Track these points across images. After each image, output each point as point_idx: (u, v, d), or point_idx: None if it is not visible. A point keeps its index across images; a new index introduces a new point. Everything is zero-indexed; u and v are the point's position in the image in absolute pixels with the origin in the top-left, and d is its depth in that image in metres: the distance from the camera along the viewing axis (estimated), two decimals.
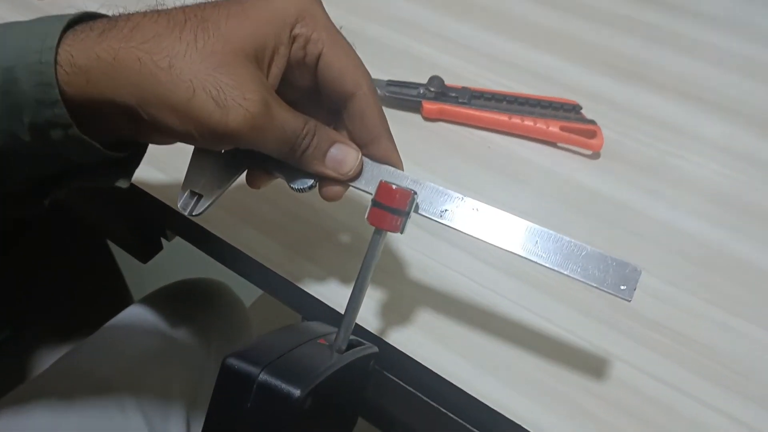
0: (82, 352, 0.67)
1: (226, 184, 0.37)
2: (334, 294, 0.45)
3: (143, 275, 0.97)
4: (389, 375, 0.43)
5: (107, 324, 0.70)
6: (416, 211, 0.37)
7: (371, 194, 0.36)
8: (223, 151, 0.38)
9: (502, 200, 0.53)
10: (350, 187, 0.38)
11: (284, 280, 0.46)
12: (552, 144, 0.57)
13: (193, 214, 0.36)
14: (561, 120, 0.57)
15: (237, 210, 0.50)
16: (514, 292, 0.47)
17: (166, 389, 0.66)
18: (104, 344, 0.69)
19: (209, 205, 0.37)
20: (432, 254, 0.49)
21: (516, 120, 0.57)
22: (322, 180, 0.37)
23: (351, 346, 0.37)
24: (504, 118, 0.56)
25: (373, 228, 0.36)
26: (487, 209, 0.36)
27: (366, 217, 0.35)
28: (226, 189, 0.38)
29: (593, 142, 0.56)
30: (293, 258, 0.47)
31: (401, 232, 0.36)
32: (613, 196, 0.53)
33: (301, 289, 0.46)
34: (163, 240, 0.72)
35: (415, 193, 0.35)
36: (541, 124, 0.57)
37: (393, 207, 0.35)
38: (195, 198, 0.37)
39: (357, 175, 0.37)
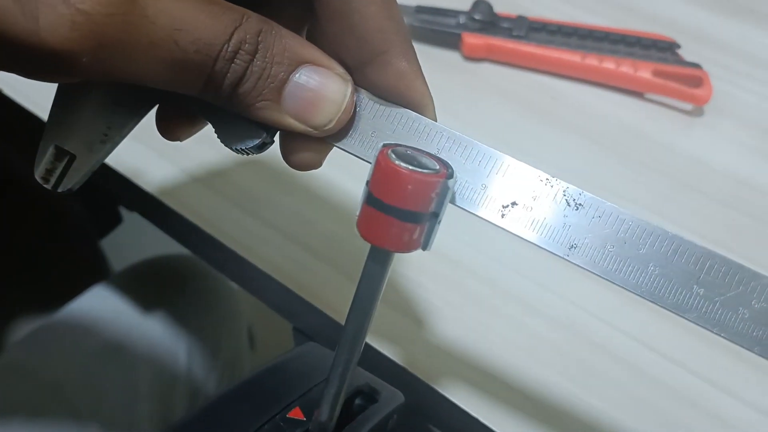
0: (28, 345, 0.59)
1: (116, 137, 0.24)
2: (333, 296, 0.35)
3: (123, 249, 0.86)
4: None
5: (61, 311, 0.61)
6: (453, 202, 0.23)
7: (370, 163, 0.21)
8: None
9: (570, 170, 0.42)
10: (336, 149, 0.24)
11: (266, 275, 0.36)
12: (638, 95, 0.46)
13: (60, 189, 0.24)
14: (653, 62, 0.43)
15: (201, 174, 0.39)
16: (631, 322, 0.35)
17: (130, 393, 0.58)
18: (56, 336, 0.60)
19: (88, 172, 0.24)
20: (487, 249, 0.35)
21: (591, 61, 0.45)
22: (283, 135, 0.24)
23: (351, 406, 0.23)
24: (575, 57, 0.45)
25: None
26: (598, 204, 0.22)
27: (356, 221, 0.21)
28: (118, 142, 0.25)
29: (698, 92, 0.43)
30: (279, 244, 0.37)
31: (424, 248, 0.21)
32: (723, 167, 0.43)
33: (290, 290, 0.36)
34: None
35: (450, 172, 0.21)
36: (626, 67, 0.44)
37: (401, 207, 0.20)
38: (64, 160, 0.24)
39: (342, 127, 0.23)
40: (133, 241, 0.81)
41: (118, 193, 0.41)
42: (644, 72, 0.44)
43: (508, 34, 0.47)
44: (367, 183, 0.21)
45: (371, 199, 0.20)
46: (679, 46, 0.45)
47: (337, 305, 0.35)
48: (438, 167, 0.21)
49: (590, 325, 0.34)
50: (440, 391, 0.32)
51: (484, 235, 0.36)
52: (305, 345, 0.28)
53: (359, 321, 0.22)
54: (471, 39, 0.47)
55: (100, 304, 0.62)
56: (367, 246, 0.22)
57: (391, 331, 0.34)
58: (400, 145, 0.22)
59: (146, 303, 0.61)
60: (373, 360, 0.33)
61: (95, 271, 0.82)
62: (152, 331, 0.61)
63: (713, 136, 0.44)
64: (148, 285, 0.65)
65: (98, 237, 0.60)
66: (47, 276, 0.77)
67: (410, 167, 0.20)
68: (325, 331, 0.34)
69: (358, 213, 0.21)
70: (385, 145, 0.21)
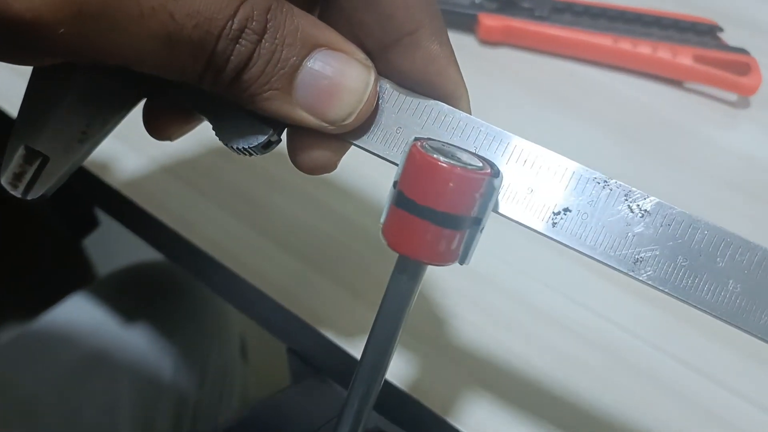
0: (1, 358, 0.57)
1: (97, 135, 0.22)
2: (333, 313, 0.31)
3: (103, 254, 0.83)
4: None
5: (36, 321, 0.60)
6: (497, 209, 0.19)
7: (396, 165, 0.19)
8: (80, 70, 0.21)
9: (600, 168, 0.37)
10: (355, 148, 0.21)
11: (256, 289, 0.32)
12: (677, 83, 0.42)
13: (30, 196, 0.22)
14: (694, 46, 0.39)
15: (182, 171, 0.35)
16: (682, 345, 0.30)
17: (109, 409, 0.56)
18: (30, 348, 0.59)
19: (63, 176, 0.22)
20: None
21: (624, 45, 0.41)
22: (292, 132, 0.21)
23: None
24: (606, 41, 0.42)
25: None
26: (666, 211, 0.20)
27: (381, 229, 0.18)
28: (98, 142, 0.22)
29: (745, 81, 0.40)
30: (271, 253, 0.33)
31: (462, 262, 0.19)
32: None
33: (283, 307, 0.32)
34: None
35: (495, 170, 0.18)
36: (663, 52, 0.40)
37: (439, 210, 0.17)
38: (35, 163, 0.21)
39: (363, 122, 0.20)
40: (114, 246, 0.78)
41: (87, 193, 0.36)
42: (684, 58, 0.40)
43: (530, 14, 0.43)
44: (395, 183, 0.18)
45: (402, 200, 0.17)
46: (721, 29, 0.42)
47: (337, 324, 0.31)
48: (481, 164, 0.18)
49: (634, 347, 0.30)
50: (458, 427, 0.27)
51: (508, 240, 0.32)
52: (309, 379, 0.24)
53: (381, 348, 0.19)
54: (488, 20, 0.43)
55: (79, 314, 0.60)
56: (378, 258, 0.19)
57: (397, 356, 0.29)
58: (434, 140, 0.19)
59: (129, 312, 0.59)
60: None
61: (73, 279, 0.79)
62: (135, 342, 0.59)
63: (762, 130, 0.40)
64: (130, 293, 0.63)
65: (74, 241, 0.57)
66: (20, 285, 0.75)
67: (451, 161, 0.17)
68: (322, 354, 0.30)
69: (383, 218, 0.18)
70: (417, 139, 0.18)
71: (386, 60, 0.20)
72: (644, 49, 0.40)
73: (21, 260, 0.77)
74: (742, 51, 0.40)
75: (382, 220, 0.18)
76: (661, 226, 0.19)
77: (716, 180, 0.37)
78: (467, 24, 0.44)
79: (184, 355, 0.60)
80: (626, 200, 0.19)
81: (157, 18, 0.17)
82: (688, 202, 0.36)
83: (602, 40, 0.41)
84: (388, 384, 0.29)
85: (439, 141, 0.19)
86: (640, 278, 0.19)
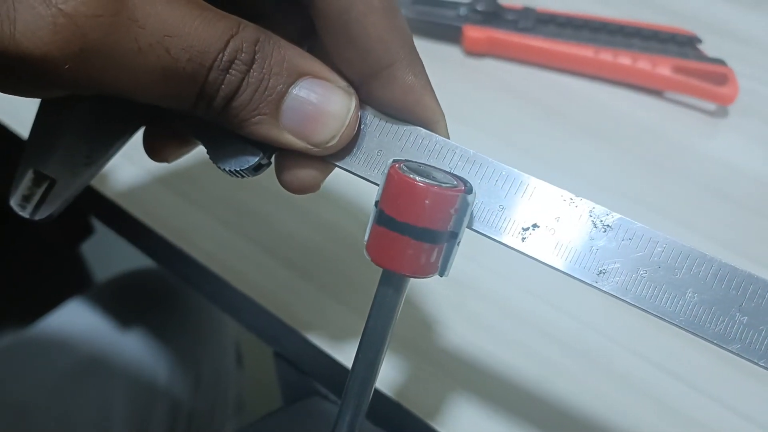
0: None
1: (101, 159, 0.23)
2: (317, 319, 0.32)
3: (99, 261, 0.83)
4: None
5: (32, 327, 0.60)
6: (471, 226, 0.21)
7: (377, 185, 0.20)
8: (83, 99, 0.23)
9: (583, 176, 0.40)
10: (338, 169, 0.22)
11: (243, 295, 0.33)
12: (657, 93, 0.43)
13: (38, 217, 0.23)
14: (673, 57, 0.40)
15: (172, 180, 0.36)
16: (657, 349, 0.31)
17: (103, 415, 0.56)
18: (25, 354, 0.58)
19: (69, 198, 0.23)
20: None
21: (605, 56, 0.42)
22: (279, 154, 0.22)
23: None
24: (587, 52, 0.43)
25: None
26: (628, 225, 0.21)
27: (365, 245, 0.20)
28: (102, 166, 0.24)
29: (723, 90, 0.40)
30: (258, 259, 0.34)
31: (441, 274, 0.20)
32: (754, 172, 0.40)
33: (269, 312, 0.33)
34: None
35: (469, 187, 0.20)
36: (643, 63, 0.41)
37: (417, 225, 0.19)
38: (43, 186, 0.23)
39: (345, 145, 0.22)
40: (111, 253, 0.78)
41: (83, 202, 0.38)
42: (663, 68, 0.41)
43: (514, 26, 0.44)
44: (377, 203, 0.19)
45: (383, 218, 0.19)
46: (700, 41, 0.43)
47: (320, 329, 0.32)
48: (455, 182, 0.19)
49: (610, 351, 0.31)
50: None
51: (487, 247, 0.33)
52: (308, 400, 0.25)
53: (370, 359, 0.21)
54: (473, 32, 0.44)
55: (75, 320, 0.60)
56: (363, 264, 0.20)
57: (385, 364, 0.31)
58: (411, 161, 0.21)
59: (124, 319, 0.59)
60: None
61: (69, 286, 0.80)
62: (130, 348, 0.59)
63: (740, 139, 0.41)
64: (126, 300, 0.63)
65: (71, 249, 0.57)
66: (16, 291, 0.75)
67: (426, 180, 0.18)
68: (307, 357, 0.32)
69: (366, 236, 0.20)
70: (395, 161, 0.20)
71: (368, 90, 0.22)
72: (624, 59, 0.41)
73: (17, 267, 0.77)
74: (719, 62, 0.41)
75: (365, 238, 0.20)
76: (623, 240, 0.20)
77: (696, 187, 0.38)
78: (452, 36, 0.45)
79: (179, 361, 0.60)
80: (590, 216, 0.21)
81: (154, 53, 0.18)
82: (668, 209, 0.37)
83: (584, 51, 0.42)
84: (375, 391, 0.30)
85: (415, 162, 0.21)
86: (604, 289, 0.20)
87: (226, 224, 0.36)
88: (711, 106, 0.42)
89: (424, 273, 0.19)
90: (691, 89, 0.41)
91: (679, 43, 0.42)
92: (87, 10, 0.17)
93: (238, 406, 0.70)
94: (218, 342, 0.65)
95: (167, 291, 0.64)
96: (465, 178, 0.20)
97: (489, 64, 0.45)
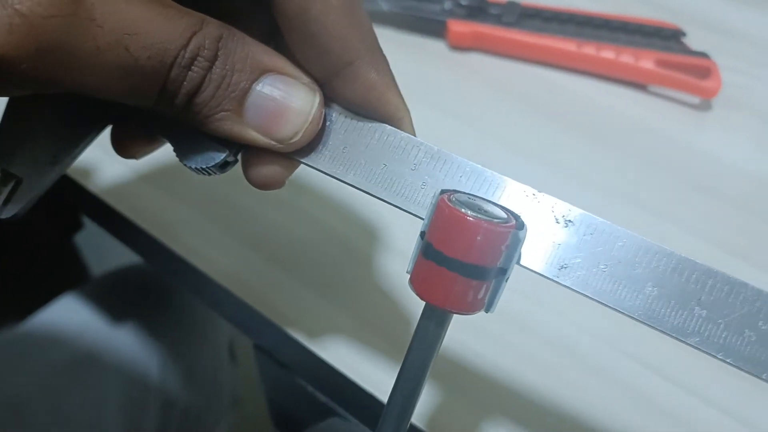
0: None
1: (67, 158, 0.24)
2: (298, 313, 0.32)
3: (92, 256, 0.84)
4: None
5: (25, 322, 0.60)
6: (519, 262, 0.21)
7: (350, 184, 0.21)
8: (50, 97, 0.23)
9: (568, 169, 0.40)
10: (304, 166, 0.23)
11: (223, 288, 0.34)
12: (641, 87, 0.44)
13: (3, 215, 0.23)
14: (657, 51, 0.41)
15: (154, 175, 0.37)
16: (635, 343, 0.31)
17: (96, 411, 0.56)
18: (18, 349, 0.58)
19: (35, 197, 0.23)
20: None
21: (589, 50, 0.43)
22: (245, 150, 0.23)
23: None
24: (571, 46, 0.43)
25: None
26: (589, 221, 0.21)
27: (408, 279, 0.20)
28: (68, 165, 0.24)
29: (706, 84, 0.41)
30: (241, 253, 0.35)
31: (487, 310, 0.20)
32: (736, 165, 0.40)
33: (249, 306, 0.33)
34: None
35: (520, 223, 0.20)
36: (627, 57, 0.42)
37: (467, 262, 0.18)
38: (10, 185, 0.23)
39: (309, 141, 0.22)
40: (104, 248, 0.78)
41: (72, 198, 0.38)
42: (647, 62, 0.41)
43: (498, 20, 0.44)
44: (423, 234, 0.19)
45: (430, 252, 0.19)
46: (684, 34, 0.43)
47: (302, 323, 0.33)
48: (506, 216, 0.19)
49: (589, 346, 0.32)
50: None
51: None
52: (329, 421, 0.26)
53: (408, 392, 0.20)
54: (457, 26, 0.44)
55: (68, 316, 0.60)
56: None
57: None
58: (460, 192, 0.21)
59: (118, 314, 0.60)
60: None
61: (62, 281, 0.80)
62: (124, 344, 0.59)
63: (724, 132, 0.42)
64: (120, 295, 0.63)
65: (63, 244, 0.57)
66: (9, 286, 0.75)
67: (478, 216, 0.18)
68: (287, 350, 0.32)
69: (410, 268, 0.19)
70: (443, 192, 0.20)
71: (332, 88, 0.22)
72: (608, 53, 0.42)
73: (10, 262, 0.78)
74: (702, 55, 0.42)
75: (409, 269, 0.19)
76: (585, 235, 0.21)
77: (678, 180, 0.39)
78: (437, 30, 0.45)
79: (173, 357, 0.61)
80: (552, 212, 0.21)
81: (113, 52, 0.18)
82: (650, 202, 0.38)
83: (567, 45, 0.43)
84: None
85: (465, 193, 0.20)
86: (564, 284, 0.20)
87: (212, 219, 0.36)
88: (695, 99, 0.43)
89: (470, 310, 0.19)
90: (674, 82, 0.42)
91: (664, 37, 0.43)
92: (43, 10, 0.17)
93: (233, 400, 0.70)
94: (212, 337, 0.66)
95: (161, 286, 0.64)
96: (515, 212, 0.20)
97: (473, 59, 0.45)
